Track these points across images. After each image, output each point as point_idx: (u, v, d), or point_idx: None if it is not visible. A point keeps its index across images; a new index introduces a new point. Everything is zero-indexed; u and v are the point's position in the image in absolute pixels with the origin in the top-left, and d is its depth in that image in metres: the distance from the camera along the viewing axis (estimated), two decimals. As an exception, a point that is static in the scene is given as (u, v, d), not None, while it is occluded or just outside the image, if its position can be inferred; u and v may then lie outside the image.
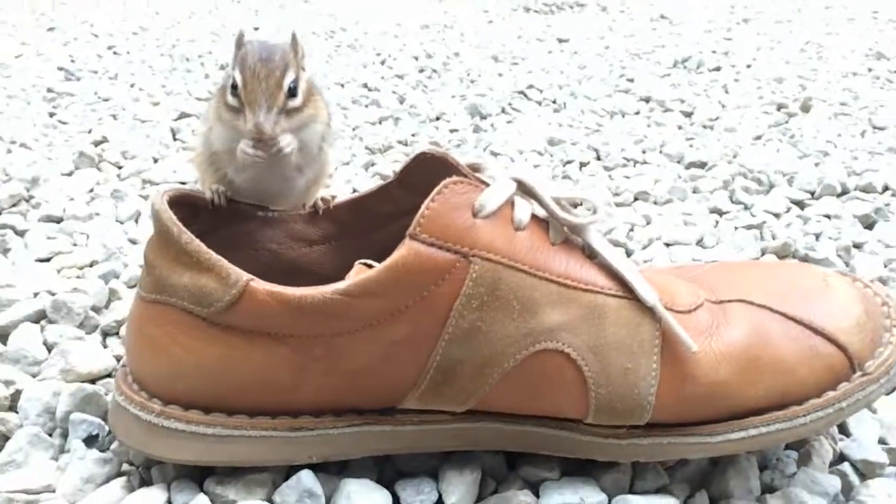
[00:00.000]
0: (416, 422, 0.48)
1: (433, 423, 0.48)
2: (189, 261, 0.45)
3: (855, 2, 3.02)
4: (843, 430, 0.55)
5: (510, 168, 0.49)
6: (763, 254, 0.84)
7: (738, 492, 0.49)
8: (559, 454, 0.49)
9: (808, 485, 0.49)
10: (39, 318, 0.66)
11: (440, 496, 0.48)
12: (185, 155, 1.12)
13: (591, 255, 0.48)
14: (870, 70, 1.84)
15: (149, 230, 0.48)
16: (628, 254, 0.85)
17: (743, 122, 1.40)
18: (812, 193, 1.03)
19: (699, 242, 0.88)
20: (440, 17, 2.82)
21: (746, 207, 0.99)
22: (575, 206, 0.49)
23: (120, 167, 1.10)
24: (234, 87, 0.50)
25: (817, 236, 0.89)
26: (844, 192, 1.03)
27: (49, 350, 0.62)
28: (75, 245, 0.83)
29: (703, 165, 1.15)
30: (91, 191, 0.99)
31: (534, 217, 0.47)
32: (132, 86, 1.61)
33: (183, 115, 1.35)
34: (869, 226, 0.94)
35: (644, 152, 1.21)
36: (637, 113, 1.48)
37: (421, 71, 1.83)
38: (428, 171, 0.50)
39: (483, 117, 1.43)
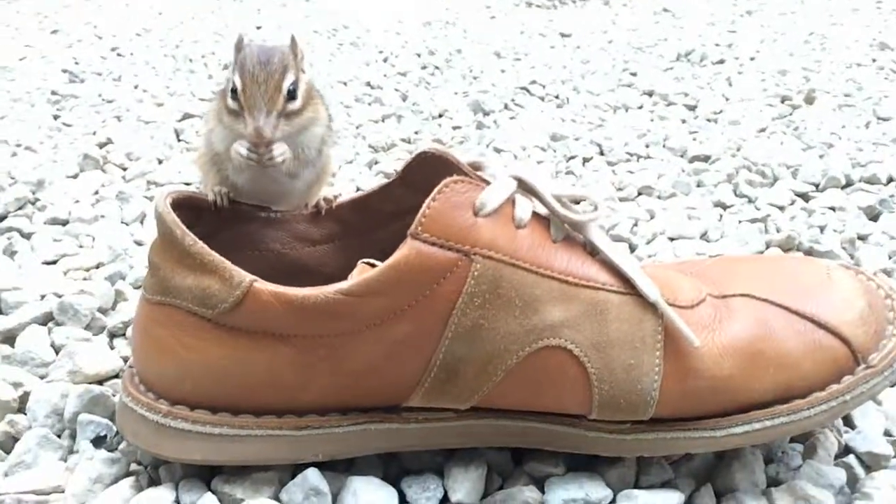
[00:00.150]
0: (420, 420, 0.48)
1: (438, 420, 0.48)
2: (193, 262, 0.45)
3: (859, -8, 3.00)
4: (848, 422, 0.55)
5: (510, 166, 0.49)
6: (768, 247, 0.84)
7: (743, 485, 0.49)
8: (564, 450, 0.49)
9: (813, 477, 0.49)
10: (47, 320, 0.67)
11: (446, 493, 0.48)
12: (189, 156, 1.13)
13: (592, 251, 0.48)
14: (874, 60, 1.83)
15: (154, 232, 0.49)
16: (632, 249, 0.85)
17: (747, 114, 1.39)
18: (816, 186, 1.03)
19: (703, 236, 0.88)
20: (442, 14, 2.81)
21: (751, 201, 0.98)
22: (577, 202, 0.50)
23: (125, 169, 1.10)
24: (234, 90, 0.50)
25: (822, 229, 0.89)
26: (849, 183, 1.03)
27: (56, 352, 0.62)
28: (81, 247, 0.84)
29: (706, 159, 1.14)
30: (96, 193, 1.00)
31: (535, 215, 0.48)
32: (136, 87, 1.61)
33: (187, 116, 1.35)
34: (874, 217, 0.94)
35: (647, 146, 1.21)
36: (640, 107, 1.48)
37: (423, 68, 1.83)
38: (429, 169, 0.50)
39: (486, 114, 1.43)
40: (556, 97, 1.56)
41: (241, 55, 0.52)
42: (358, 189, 1.00)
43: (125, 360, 0.61)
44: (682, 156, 1.17)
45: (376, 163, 1.14)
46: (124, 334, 0.66)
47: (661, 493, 0.48)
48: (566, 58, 1.95)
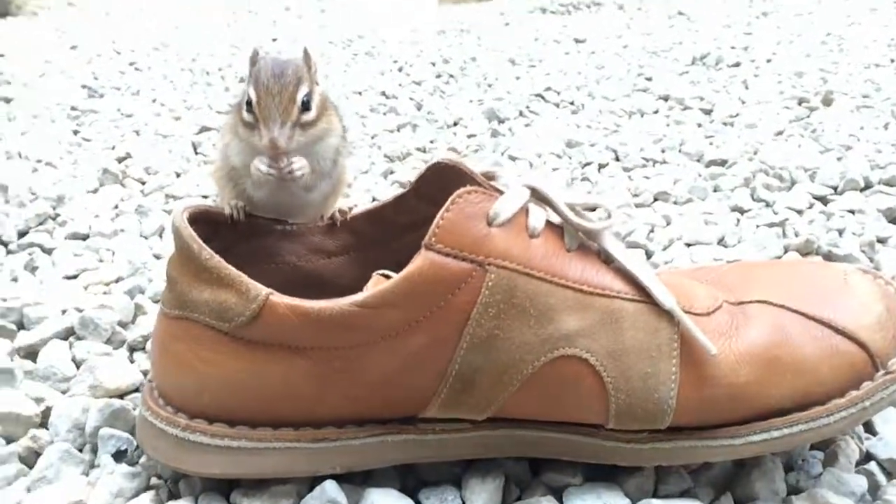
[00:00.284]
0: (437, 431, 0.48)
1: (454, 431, 0.48)
2: (210, 277, 0.46)
3: (876, -9, 2.98)
4: (870, 429, 0.55)
5: (524, 175, 0.49)
6: (786, 251, 0.84)
7: (763, 494, 0.49)
8: (581, 460, 0.49)
9: (834, 485, 0.49)
10: (68, 334, 0.67)
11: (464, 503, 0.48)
12: (206, 169, 1.14)
13: (607, 259, 0.48)
14: (892, 61, 1.81)
15: (172, 245, 0.49)
16: (648, 255, 0.85)
17: (763, 117, 1.39)
18: (835, 188, 1.02)
19: (721, 242, 0.88)
20: (457, 22, 2.82)
21: (768, 205, 0.98)
22: (593, 210, 0.49)
23: (143, 183, 1.11)
24: (249, 103, 0.51)
25: (840, 232, 0.88)
26: (868, 185, 1.02)
27: (77, 366, 0.63)
28: (101, 261, 0.85)
29: (723, 163, 1.14)
30: (116, 207, 1.01)
31: (548, 224, 0.48)
32: (154, 101, 1.63)
33: (204, 129, 1.37)
34: (893, 220, 0.93)
35: (663, 151, 1.21)
36: (656, 112, 1.48)
37: (438, 76, 1.84)
38: (443, 180, 0.50)
39: (501, 121, 1.43)
40: (571, 103, 1.56)
41: (256, 68, 0.52)
42: (374, 199, 1.01)
43: (145, 373, 0.61)
44: (698, 160, 1.17)
45: (392, 172, 1.14)
46: (144, 348, 0.66)
47: (680, 503, 0.47)
48: (581, 63, 1.95)
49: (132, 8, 3.40)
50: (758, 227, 0.90)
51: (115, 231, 0.91)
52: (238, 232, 0.54)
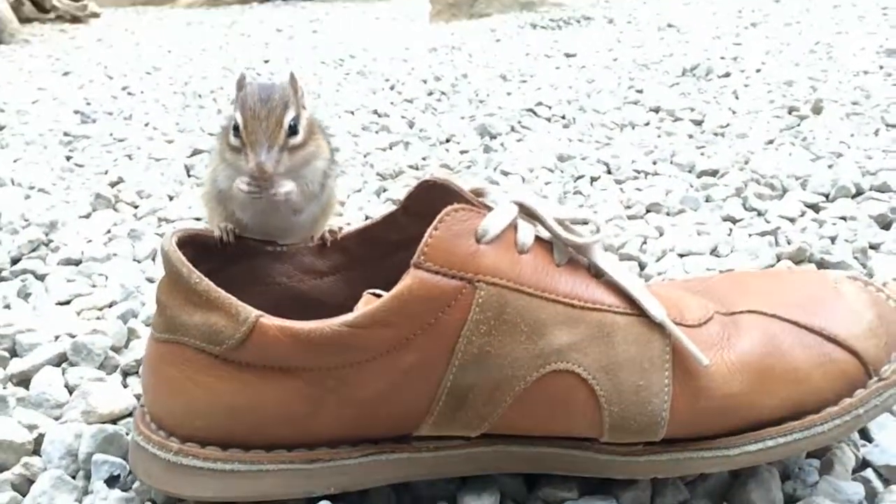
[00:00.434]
0: (431, 448, 0.48)
1: (449, 448, 0.48)
2: (199, 300, 0.46)
3: (863, -1, 3.00)
4: (865, 436, 0.55)
5: (512, 192, 0.50)
6: (778, 260, 0.84)
7: (760, 503, 0.49)
8: (577, 474, 0.49)
9: (830, 493, 0.49)
10: (60, 360, 0.67)
11: (460, 521, 0.48)
12: (199, 191, 1.14)
13: (597, 273, 0.48)
14: (881, 67, 1.82)
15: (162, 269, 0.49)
16: (641, 267, 0.85)
17: (754, 127, 1.39)
18: (826, 196, 1.02)
19: (713, 252, 0.88)
20: (448, 39, 2.84)
21: (760, 214, 0.98)
22: (583, 224, 0.49)
23: (136, 207, 1.11)
24: (236, 127, 0.51)
25: (833, 239, 0.88)
26: (859, 192, 1.02)
27: (70, 392, 0.62)
28: (94, 286, 0.84)
29: (714, 173, 1.14)
30: (108, 232, 1.01)
31: (537, 239, 0.48)
32: (146, 125, 1.63)
33: (196, 152, 1.37)
34: (886, 226, 0.93)
35: (655, 163, 1.21)
36: (647, 124, 1.48)
37: (430, 94, 1.85)
38: (432, 197, 0.51)
39: (493, 137, 1.43)
40: (563, 117, 1.56)
41: (243, 93, 0.53)
42: (366, 217, 1.01)
43: (138, 398, 0.61)
44: (689, 171, 1.17)
45: (385, 190, 1.14)
46: (137, 372, 0.66)
47: (677, 515, 0.47)
48: (571, 78, 1.96)
49: (124, 34, 3.42)
50: (750, 236, 0.91)
51: (108, 255, 0.91)
52: (228, 254, 0.54)
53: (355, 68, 2.28)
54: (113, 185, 1.20)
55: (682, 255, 0.87)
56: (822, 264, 0.82)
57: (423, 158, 1.30)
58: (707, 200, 1.04)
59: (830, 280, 0.53)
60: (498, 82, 1.97)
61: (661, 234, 0.93)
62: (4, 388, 0.64)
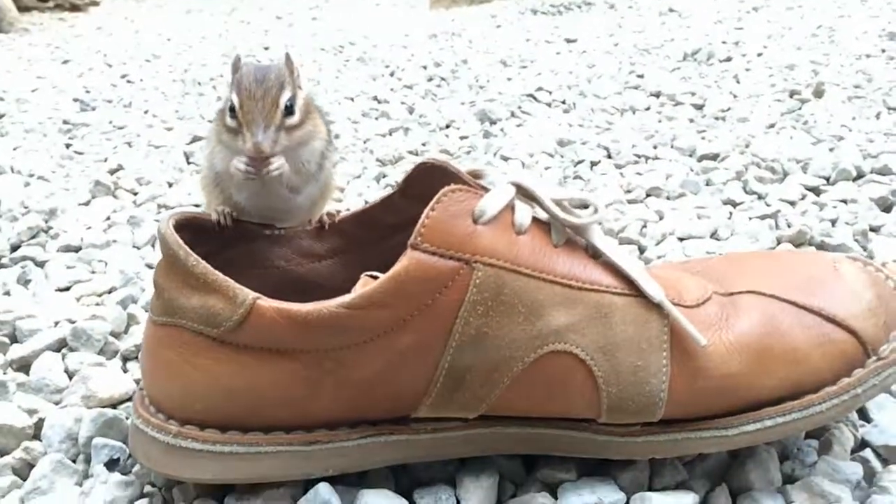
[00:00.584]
0: (430, 430, 0.48)
1: (447, 430, 0.48)
2: (196, 282, 0.46)
3: (866, -17, 2.98)
4: (864, 416, 0.55)
5: (509, 173, 0.49)
6: (779, 243, 0.84)
7: (758, 484, 0.49)
8: (575, 455, 0.49)
9: (829, 473, 0.49)
10: (60, 346, 0.67)
11: (458, 503, 0.48)
12: (198, 177, 1.14)
13: (594, 254, 0.48)
14: (883, 51, 1.81)
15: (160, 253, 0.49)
16: (641, 250, 0.85)
17: (755, 111, 1.39)
18: (827, 179, 1.02)
19: (713, 235, 0.88)
20: (448, 26, 2.83)
21: (760, 197, 0.98)
22: (582, 206, 0.49)
23: (135, 194, 1.11)
24: (232, 108, 0.51)
25: (833, 222, 0.88)
26: (860, 175, 1.02)
27: (70, 377, 0.63)
28: (94, 273, 0.84)
29: (715, 157, 1.14)
30: (108, 219, 1.01)
31: (535, 220, 0.48)
32: (146, 112, 1.63)
33: (196, 139, 1.37)
34: (887, 208, 0.93)
35: (655, 147, 1.21)
36: (647, 108, 1.48)
37: (430, 80, 1.84)
38: (430, 179, 0.50)
39: (493, 122, 1.43)
40: (563, 102, 1.56)
41: (239, 74, 0.52)
42: (366, 203, 1.01)
43: (138, 382, 0.61)
44: (690, 155, 1.17)
45: (384, 176, 1.14)
46: (137, 357, 0.66)
47: (675, 495, 0.47)
48: (572, 63, 1.95)
49: (123, 21, 3.41)
50: (750, 219, 0.90)
51: (108, 242, 0.91)
52: (226, 238, 0.54)
53: (355, 55, 2.27)
54: (112, 172, 1.20)
55: (681, 239, 0.87)
56: (822, 247, 0.81)
57: (423, 144, 1.30)
58: (707, 184, 1.04)
59: (830, 260, 0.53)
60: (498, 68, 1.96)
61: (660, 218, 0.93)
62: (4, 373, 0.64)
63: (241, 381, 0.46)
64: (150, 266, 0.85)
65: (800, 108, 1.39)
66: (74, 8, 4.00)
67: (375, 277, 0.47)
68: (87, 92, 1.85)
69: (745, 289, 0.50)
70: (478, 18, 3.00)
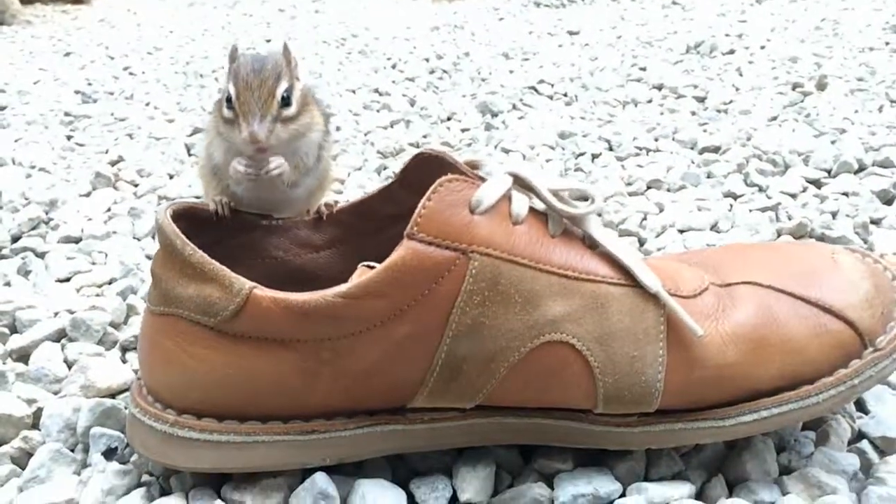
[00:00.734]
0: (426, 420, 0.48)
1: (444, 420, 0.48)
2: (193, 272, 0.46)
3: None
4: (862, 407, 0.55)
5: (507, 163, 0.49)
6: (779, 235, 0.84)
7: (755, 474, 0.49)
8: (571, 445, 0.49)
9: (825, 464, 0.49)
10: (60, 336, 0.67)
11: (455, 493, 0.48)
12: (198, 169, 1.14)
13: (591, 245, 0.48)
14: (887, 44, 1.81)
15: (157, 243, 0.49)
16: (641, 243, 0.84)
17: (757, 103, 1.38)
18: (829, 172, 1.02)
19: (713, 227, 0.88)
20: (451, 18, 2.82)
21: (761, 189, 0.98)
22: (582, 199, 0.49)
23: (136, 185, 1.11)
24: (229, 99, 0.51)
25: (834, 214, 0.88)
26: (862, 168, 1.02)
27: (69, 367, 0.63)
28: (94, 264, 0.85)
29: (716, 150, 1.14)
30: (108, 210, 1.01)
31: (532, 210, 0.48)
32: (147, 104, 1.63)
33: (197, 131, 1.37)
34: (888, 201, 0.93)
35: (657, 140, 1.20)
36: (650, 101, 1.47)
37: (431, 72, 1.84)
38: (428, 170, 0.50)
39: (494, 115, 1.43)
40: (565, 95, 1.55)
41: (235, 64, 0.52)
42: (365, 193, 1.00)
43: (136, 372, 0.61)
44: (691, 148, 1.17)
45: (385, 168, 1.14)
46: (136, 348, 0.66)
47: (672, 485, 0.47)
48: (574, 55, 1.95)
49: (126, 14, 3.41)
50: (750, 211, 0.90)
51: (108, 233, 0.91)
52: (223, 228, 0.54)
53: (357, 47, 2.27)
54: (113, 163, 1.20)
55: (682, 231, 0.86)
56: (822, 239, 0.81)
57: (424, 136, 1.30)
58: (708, 177, 1.04)
59: (827, 251, 0.53)
60: (500, 60, 1.96)
61: (661, 210, 0.93)
62: (4, 363, 0.64)
63: (238, 370, 0.46)
64: (150, 257, 0.85)
65: (802, 101, 1.39)
66: (77, 0, 4.00)
67: (373, 268, 0.47)
68: (89, 84, 1.85)
69: (742, 279, 0.50)
70: (481, 11, 2.99)
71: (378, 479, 0.48)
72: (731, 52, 1.85)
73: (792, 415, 0.47)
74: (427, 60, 1.98)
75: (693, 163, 1.09)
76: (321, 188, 0.58)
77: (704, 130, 1.24)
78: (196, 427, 0.47)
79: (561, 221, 0.48)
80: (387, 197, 0.56)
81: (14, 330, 0.70)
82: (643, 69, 1.72)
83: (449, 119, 1.42)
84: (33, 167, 1.19)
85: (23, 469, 0.52)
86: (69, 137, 1.39)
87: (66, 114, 1.55)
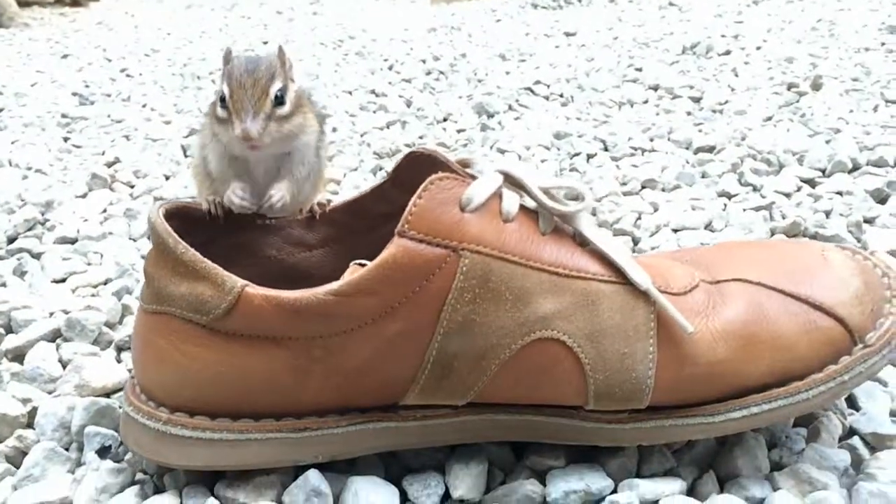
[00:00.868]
0: (418, 417, 0.48)
1: (436, 417, 0.48)
2: (185, 270, 0.46)
3: (867, -24, 2.97)
4: (853, 404, 0.55)
5: (497, 161, 0.49)
6: (773, 234, 0.84)
7: (746, 470, 0.49)
8: (563, 442, 0.49)
9: (816, 460, 0.49)
10: (55, 336, 0.68)
11: (447, 489, 0.48)
12: (192, 169, 1.14)
13: (582, 242, 0.48)
14: (882, 44, 1.81)
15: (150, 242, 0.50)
16: (635, 242, 0.85)
17: (753, 104, 1.39)
18: (823, 171, 1.02)
19: (707, 226, 0.88)
20: (448, 20, 2.83)
21: (756, 189, 0.98)
22: (574, 197, 0.49)
23: (132, 186, 1.12)
24: (223, 98, 0.51)
25: (827, 213, 0.88)
26: (856, 167, 1.02)
27: (64, 367, 0.63)
28: (89, 264, 0.85)
29: (711, 150, 1.14)
30: (104, 211, 1.01)
31: (522, 208, 0.48)
32: (144, 106, 1.63)
33: (193, 133, 1.37)
34: (881, 200, 0.93)
35: (652, 140, 1.21)
36: (645, 102, 1.48)
37: (428, 74, 1.84)
38: (420, 168, 0.51)
39: (490, 115, 1.43)
40: (561, 96, 1.56)
41: (229, 66, 0.53)
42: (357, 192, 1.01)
43: (131, 371, 0.61)
44: (686, 148, 1.17)
45: (381, 169, 1.14)
46: (130, 347, 0.66)
47: (663, 482, 0.48)
48: (571, 56, 1.95)
49: (124, 16, 3.41)
50: (744, 210, 0.90)
51: (104, 234, 0.92)
52: (217, 227, 0.54)
53: (354, 49, 2.27)
54: (109, 165, 1.20)
55: (676, 230, 0.87)
56: (815, 238, 0.82)
57: (420, 137, 1.30)
58: (703, 176, 1.04)
59: (818, 249, 0.53)
60: (497, 62, 1.96)
61: (655, 210, 0.93)
62: (-1, 363, 0.64)
63: (230, 368, 0.46)
64: (145, 258, 0.85)
65: (797, 101, 1.39)
66: (75, 3, 4.00)
67: (364, 266, 0.47)
68: (87, 86, 1.86)
69: (733, 277, 0.50)
70: (478, 13, 3.00)
71: (371, 476, 0.48)
72: (727, 52, 1.85)
73: (782, 411, 0.47)
74: (424, 62, 1.99)
75: (688, 163, 1.09)
76: (315, 188, 0.59)
77: (699, 130, 1.25)
78: (189, 425, 0.47)
79: (551, 219, 0.48)
80: (379, 196, 0.56)
81: (9, 330, 0.70)
82: (639, 70, 1.73)
83: (445, 120, 1.42)
84: (30, 169, 1.19)
85: (17, 468, 0.52)
86: (66, 139, 1.39)
87: (63, 115, 1.55)
